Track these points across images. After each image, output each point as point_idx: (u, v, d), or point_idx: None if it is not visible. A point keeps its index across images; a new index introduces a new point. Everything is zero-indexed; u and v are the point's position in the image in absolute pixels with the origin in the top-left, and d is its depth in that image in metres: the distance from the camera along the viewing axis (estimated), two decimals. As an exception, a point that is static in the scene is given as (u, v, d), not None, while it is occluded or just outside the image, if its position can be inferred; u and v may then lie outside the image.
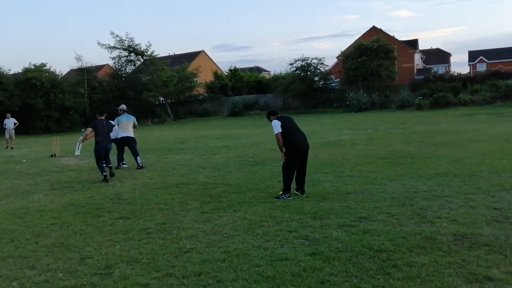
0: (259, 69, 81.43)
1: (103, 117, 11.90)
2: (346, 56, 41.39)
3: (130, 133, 13.29)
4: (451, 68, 63.43)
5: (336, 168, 10.98)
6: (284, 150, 8.24)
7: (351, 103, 38.17)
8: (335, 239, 5.65)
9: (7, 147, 23.46)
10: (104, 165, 11.38)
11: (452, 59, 76.48)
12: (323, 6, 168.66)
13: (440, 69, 58.68)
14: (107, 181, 10.86)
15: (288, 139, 8.18)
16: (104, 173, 11.12)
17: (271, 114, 8.55)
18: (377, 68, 38.53)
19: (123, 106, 13.82)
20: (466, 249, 5.08)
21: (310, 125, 24.72)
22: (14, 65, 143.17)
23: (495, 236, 5.45)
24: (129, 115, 13.51)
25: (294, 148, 8.24)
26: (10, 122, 24.32)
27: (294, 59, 43.74)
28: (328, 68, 44.97)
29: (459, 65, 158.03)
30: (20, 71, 42.97)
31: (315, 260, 4.95)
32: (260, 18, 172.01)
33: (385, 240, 5.46)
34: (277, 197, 8.11)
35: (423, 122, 23.81)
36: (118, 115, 13.39)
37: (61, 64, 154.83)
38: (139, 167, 12.78)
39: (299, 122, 8.73)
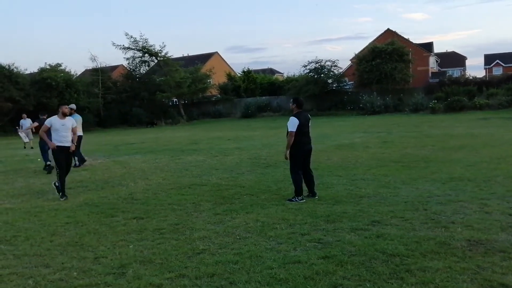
0: (272, 71, 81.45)
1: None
2: (360, 59, 41.34)
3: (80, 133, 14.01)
4: (466, 71, 62.81)
5: (350, 171, 10.94)
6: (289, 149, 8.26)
7: (365, 106, 38.09)
8: (348, 242, 5.63)
9: (25, 147, 23.67)
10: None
11: (467, 62, 75.70)
12: (337, 8, 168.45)
13: (455, 72, 58.30)
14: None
15: (296, 140, 8.17)
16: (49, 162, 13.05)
17: (296, 103, 8.36)
18: (391, 71, 38.41)
19: (74, 105, 14.49)
20: (481, 255, 5.03)
21: (323, 128, 24.70)
22: (30, 65, 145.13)
23: (510, 242, 5.39)
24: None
25: (299, 149, 8.23)
26: (27, 122, 24.54)
27: (308, 61, 43.87)
28: (341, 70, 44.96)
29: (475, 68, 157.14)
30: (36, 71, 43.51)
31: (328, 264, 4.94)
32: (274, 20, 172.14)
33: (398, 245, 5.43)
34: (290, 200, 8.11)
35: (437, 126, 23.65)
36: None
37: (76, 64, 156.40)
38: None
39: (312, 125, 8.70)
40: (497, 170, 10.15)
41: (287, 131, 8.20)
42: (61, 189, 9.33)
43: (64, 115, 9.66)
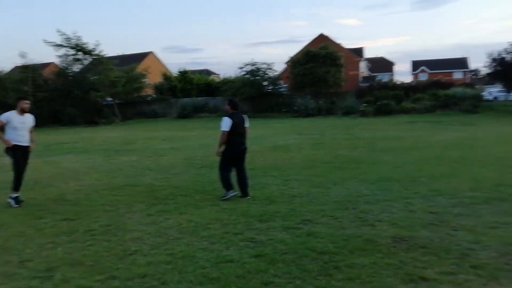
0: (208, 72, 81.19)
1: None
2: (294, 62, 41.95)
3: None
4: (394, 76, 65.51)
5: (283, 172, 11.13)
6: (223, 148, 8.37)
7: (299, 109, 38.69)
8: (279, 241, 5.75)
9: None
10: None
11: (396, 68, 79.32)
12: (274, 11, 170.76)
13: (384, 77, 60.54)
14: None
15: (230, 139, 8.28)
16: None
17: (230, 104, 8.47)
18: (324, 75, 39.19)
19: None
20: (404, 251, 5.31)
21: (259, 129, 24.90)
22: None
23: (430, 238, 5.72)
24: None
25: (232, 149, 8.38)
26: None
27: (244, 63, 43.94)
28: (277, 73, 45.38)
29: (403, 74, 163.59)
30: (-40, 67, 41.08)
31: (260, 262, 5.03)
32: (212, 21, 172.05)
33: (327, 243, 5.62)
34: (222, 197, 8.21)
35: (367, 128, 24.42)
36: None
37: (4, 60, 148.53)
38: None
39: (249, 126, 8.79)
40: (422, 171, 10.67)
41: None
42: (17, 190, 8.42)
43: (23, 111, 8.56)
